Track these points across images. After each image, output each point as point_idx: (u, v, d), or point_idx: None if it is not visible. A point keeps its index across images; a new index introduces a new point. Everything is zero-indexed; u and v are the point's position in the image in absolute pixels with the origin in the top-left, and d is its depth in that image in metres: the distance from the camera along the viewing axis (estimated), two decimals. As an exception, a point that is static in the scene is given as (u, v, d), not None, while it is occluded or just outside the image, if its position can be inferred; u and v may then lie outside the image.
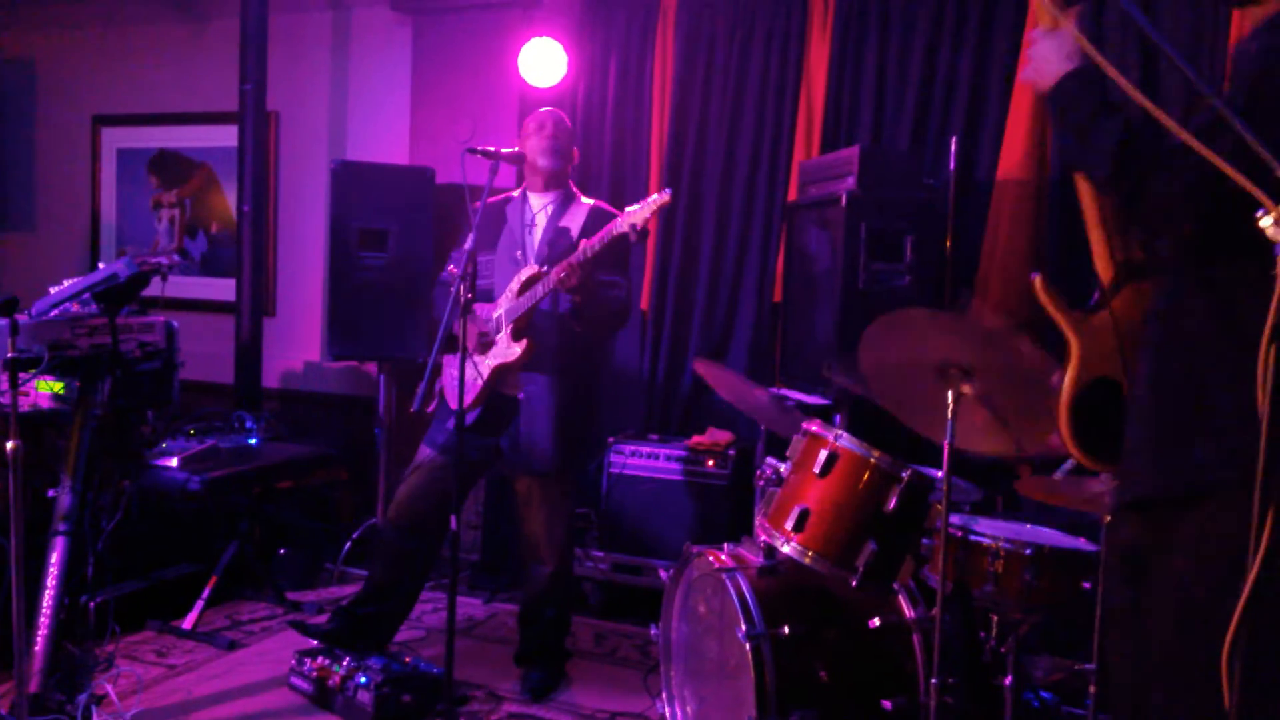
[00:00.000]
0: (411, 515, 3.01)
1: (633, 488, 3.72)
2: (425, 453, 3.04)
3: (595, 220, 2.96)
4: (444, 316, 2.68)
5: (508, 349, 2.90)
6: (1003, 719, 2.34)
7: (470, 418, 3.01)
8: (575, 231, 2.95)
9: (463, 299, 2.57)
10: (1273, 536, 1.21)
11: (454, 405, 2.94)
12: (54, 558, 2.65)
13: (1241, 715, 1.29)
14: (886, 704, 2.24)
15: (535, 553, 3.07)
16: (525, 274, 2.90)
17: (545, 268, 2.87)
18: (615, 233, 2.62)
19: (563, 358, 2.96)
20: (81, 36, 5.30)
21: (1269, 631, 1.43)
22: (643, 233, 2.58)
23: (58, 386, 2.92)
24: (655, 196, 2.56)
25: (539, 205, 3.05)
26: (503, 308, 2.94)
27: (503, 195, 3.12)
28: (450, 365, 3.03)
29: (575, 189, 3.11)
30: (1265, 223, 1.17)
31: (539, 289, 2.81)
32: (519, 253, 3.02)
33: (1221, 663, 1.28)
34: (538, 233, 3.02)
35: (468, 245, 2.60)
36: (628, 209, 2.61)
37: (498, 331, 2.94)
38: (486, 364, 2.94)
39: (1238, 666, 1.28)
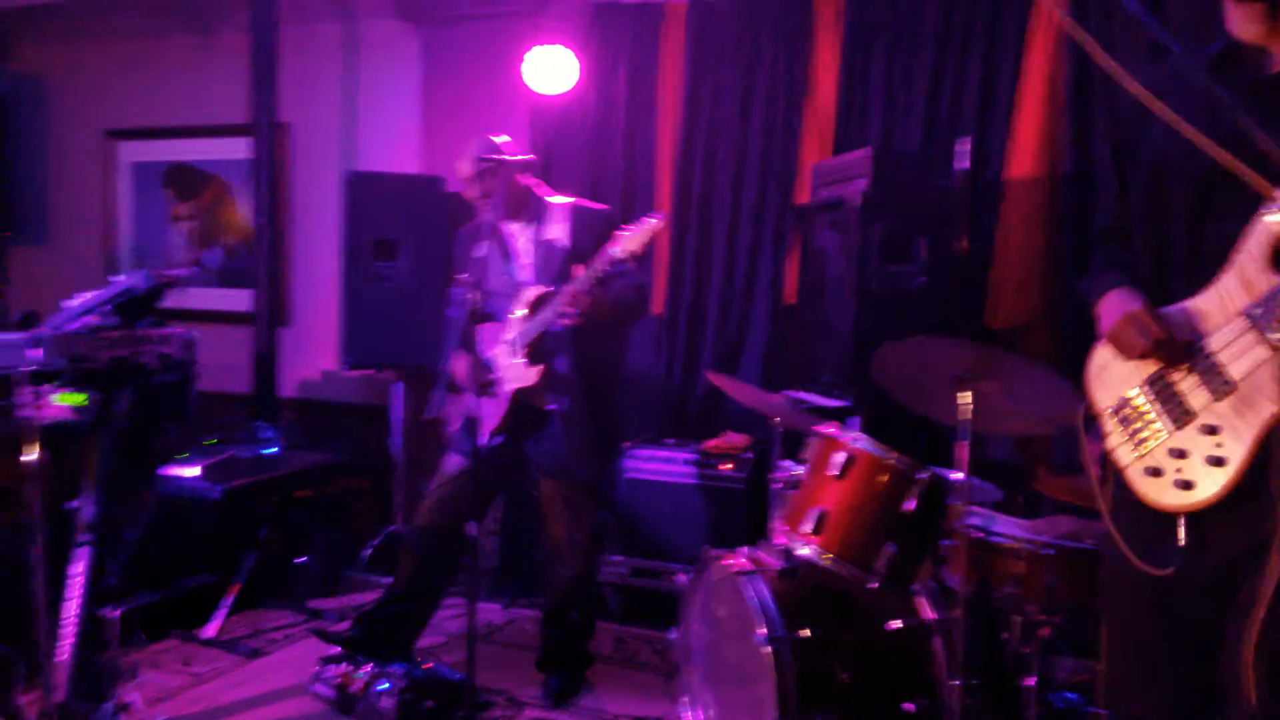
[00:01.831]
0: (442, 522, 3.01)
1: (649, 492, 3.73)
2: (456, 462, 3.05)
3: (578, 220, 2.97)
4: (450, 348, 2.70)
5: (524, 373, 2.91)
6: None
7: (497, 441, 3.03)
8: (565, 240, 2.96)
9: (474, 305, 2.58)
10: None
11: (483, 425, 2.95)
12: (77, 568, 2.67)
13: (1266, 711, 1.29)
14: (908, 706, 2.24)
15: (559, 556, 3.08)
16: (531, 295, 2.90)
17: (549, 287, 2.88)
18: (611, 259, 2.62)
19: (585, 371, 2.97)
20: (92, 50, 5.35)
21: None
22: (640, 257, 2.59)
23: (78, 399, 2.95)
24: (651, 222, 2.57)
25: (513, 230, 3.05)
26: (514, 331, 2.95)
27: (475, 222, 3.13)
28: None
29: (541, 192, 3.06)
30: (1271, 219, 1.17)
31: (547, 313, 2.81)
32: (503, 279, 3.03)
33: (1246, 662, 1.28)
34: (524, 259, 3.02)
35: (480, 253, 2.61)
36: (620, 233, 2.61)
37: (512, 355, 2.96)
38: (506, 388, 2.96)
39: (1263, 666, 1.28)
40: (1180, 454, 1.54)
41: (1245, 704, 1.38)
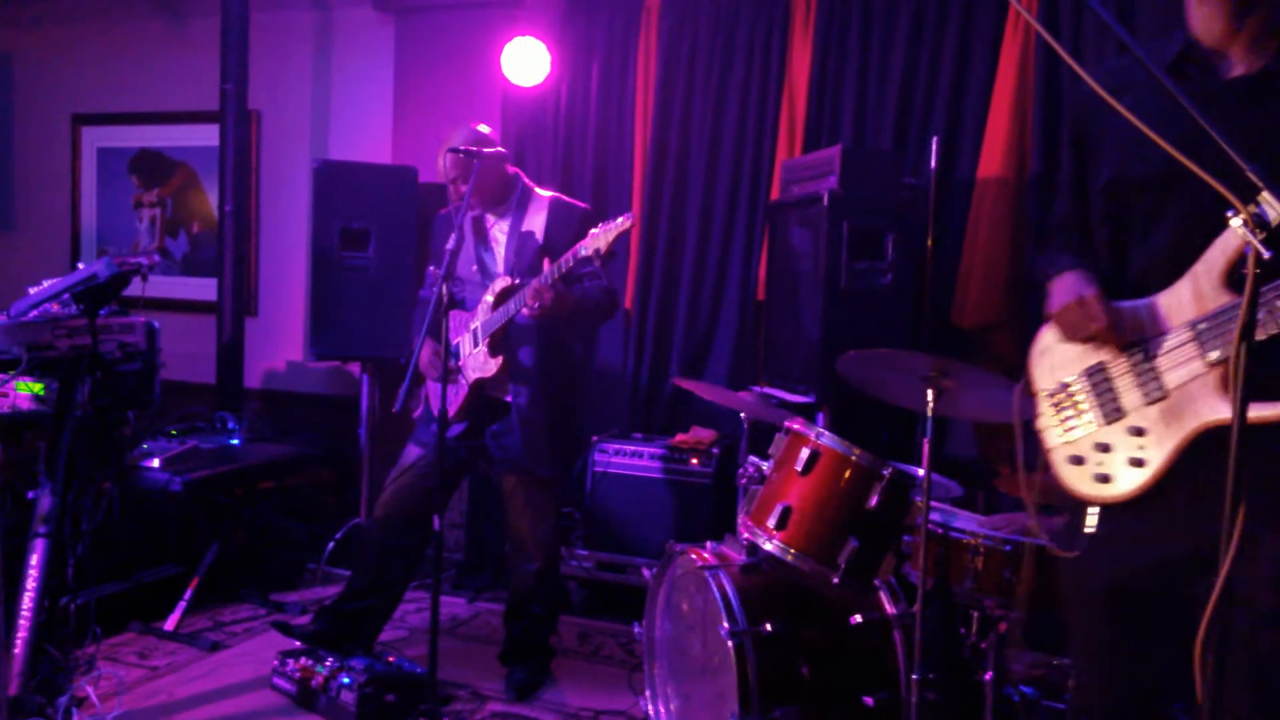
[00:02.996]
0: (399, 514, 3.01)
1: (616, 486, 3.73)
2: (414, 452, 3.04)
3: (556, 216, 2.95)
4: (420, 333, 2.69)
5: (485, 364, 2.91)
6: (983, 714, 2.36)
7: (457, 429, 3.02)
8: (539, 233, 2.95)
9: (445, 299, 2.57)
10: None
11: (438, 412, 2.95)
12: (33, 560, 2.63)
13: (1213, 707, 1.31)
14: (868, 700, 2.26)
15: (522, 550, 3.08)
16: (499, 286, 2.90)
17: (517, 279, 2.87)
18: (580, 255, 2.62)
19: (546, 366, 2.97)
20: (60, 34, 5.26)
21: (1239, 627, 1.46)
22: (607, 255, 2.59)
23: (37, 388, 2.90)
24: (620, 220, 2.57)
25: (493, 221, 3.05)
26: (479, 320, 2.94)
27: (453, 207, 3.11)
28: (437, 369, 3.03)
29: (525, 184, 3.04)
30: (1235, 223, 1.19)
31: (511, 305, 2.81)
32: (474, 267, 3.02)
33: (1195, 657, 1.30)
34: (499, 249, 3.02)
35: (449, 245, 2.60)
36: (592, 230, 2.61)
37: (475, 345, 2.95)
38: (466, 377, 2.96)
39: (1210, 660, 1.30)
40: (1104, 448, 1.58)
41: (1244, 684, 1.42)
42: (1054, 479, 1.70)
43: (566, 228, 2.94)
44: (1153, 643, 1.63)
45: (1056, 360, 1.69)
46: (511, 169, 3.04)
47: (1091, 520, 1.61)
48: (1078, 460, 1.62)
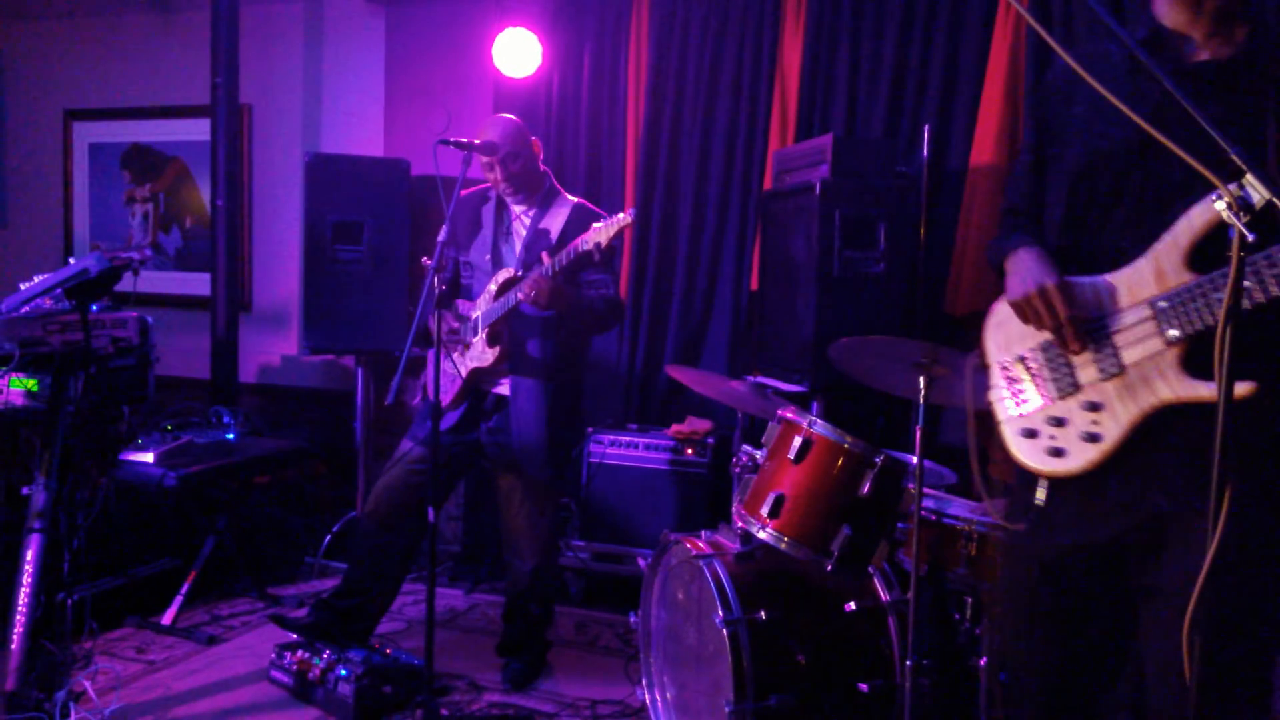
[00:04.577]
0: (390, 507, 3.01)
1: (612, 477, 3.74)
2: (405, 446, 3.04)
3: (577, 220, 2.94)
4: (418, 311, 2.69)
5: (483, 353, 2.91)
6: (977, 699, 2.37)
7: (453, 416, 3.02)
8: (555, 233, 2.95)
9: (436, 291, 2.57)
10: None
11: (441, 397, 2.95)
12: (29, 555, 2.63)
13: (1201, 687, 1.32)
14: (863, 686, 2.27)
15: (518, 549, 3.07)
16: (502, 276, 2.90)
17: (521, 272, 2.88)
18: (579, 250, 2.63)
19: (547, 360, 2.96)
20: (50, 29, 5.24)
21: (1226, 606, 1.47)
22: (608, 250, 2.59)
23: (31, 384, 2.90)
24: (621, 216, 2.58)
25: (518, 211, 3.05)
26: (480, 309, 2.95)
27: (480, 189, 3.11)
28: (433, 361, 3.04)
29: (553, 184, 3.06)
30: (1219, 206, 1.19)
31: (512, 295, 2.81)
32: (487, 256, 3.02)
33: (1183, 637, 1.31)
34: (516, 242, 3.01)
35: (441, 237, 2.59)
36: (594, 225, 2.62)
37: (474, 334, 2.95)
38: (464, 365, 2.96)
39: (1198, 640, 1.31)
40: (1059, 422, 1.59)
41: (1176, 681, 1.42)
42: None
43: (582, 230, 2.93)
44: (1087, 620, 1.64)
45: (1012, 332, 1.69)
46: (543, 167, 3.05)
47: (1040, 494, 1.61)
48: (1031, 434, 1.62)
